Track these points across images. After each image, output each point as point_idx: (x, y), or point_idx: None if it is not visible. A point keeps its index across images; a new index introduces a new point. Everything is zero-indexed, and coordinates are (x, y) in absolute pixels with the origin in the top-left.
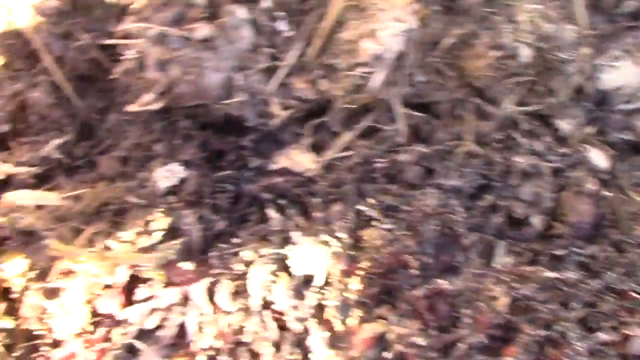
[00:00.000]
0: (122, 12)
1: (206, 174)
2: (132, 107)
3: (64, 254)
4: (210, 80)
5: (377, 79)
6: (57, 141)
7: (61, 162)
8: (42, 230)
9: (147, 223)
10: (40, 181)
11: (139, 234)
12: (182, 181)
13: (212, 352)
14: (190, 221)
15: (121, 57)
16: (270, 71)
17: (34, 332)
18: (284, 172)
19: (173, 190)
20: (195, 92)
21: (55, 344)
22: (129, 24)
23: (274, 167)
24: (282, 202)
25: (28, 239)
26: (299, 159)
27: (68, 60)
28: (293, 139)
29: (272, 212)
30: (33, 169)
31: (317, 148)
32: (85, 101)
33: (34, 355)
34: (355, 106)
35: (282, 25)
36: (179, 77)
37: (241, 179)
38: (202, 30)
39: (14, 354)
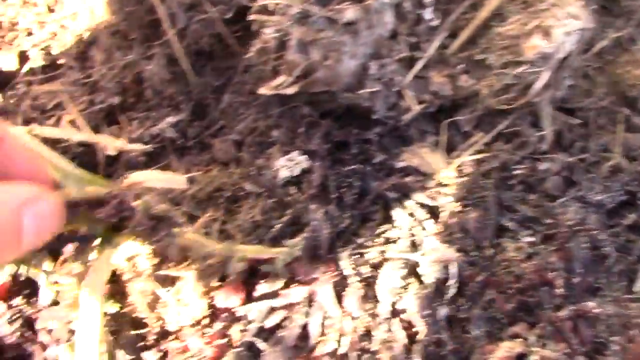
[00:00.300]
0: None
1: (330, 166)
2: (263, 90)
3: (194, 243)
4: (345, 67)
5: (541, 80)
6: (171, 119)
7: (174, 141)
8: (175, 217)
9: (264, 213)
10: (150, 160)
11: (257, 225)
12: (304, 172)
13: (335, 358)
14: (318, 217)
15: (255, 35)
16: (407, 61)
17: (143, 320)
18: (412, 170)
19: (294, 181)
20: (330, 78)
21: (165, 334)
22: (266, 0)
23: (400, 164)
24: (408, 203)
25: (155, 224)
26: (428, 159)
27: (190, 33)
28: (420, 136)
29: (398, 213)
30: (147, 147)
31: (446, 148)
32: (201, 79)
33: (141, 344)
34: (495, 107)
35: (427, 14)
36: (319, 61)
37: (366, 174)
38: (349, 12)
39: (120, 341)
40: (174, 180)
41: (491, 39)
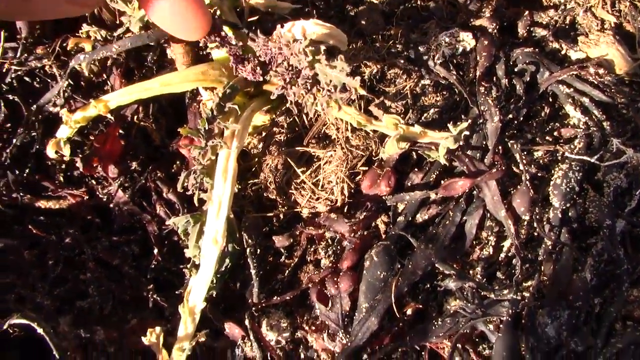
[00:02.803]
0: None
1: (499, 47)
2: None
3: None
4: None
5: None
6: None
7: (317, 6)
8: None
9: (417, 95)
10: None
11: (407, 107)
12: (467, 52)
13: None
14: (488, 101)
15: None
16: None
17: (270, 202)
18: (589, 63)
19: (455, 61)
20: None
21: (295, 219)
22: None
23: (577, 55)
24: (584, 99)
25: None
26: (611, 52)
27: None
28: (599, 25)
29: (572, 110)
30: (295, 6)
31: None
32: None
33: (272, 217)
34: None
35: None
36: None
37: (538, 61)
38: None
39: (244, 223)
40: (337, 34)
41: None
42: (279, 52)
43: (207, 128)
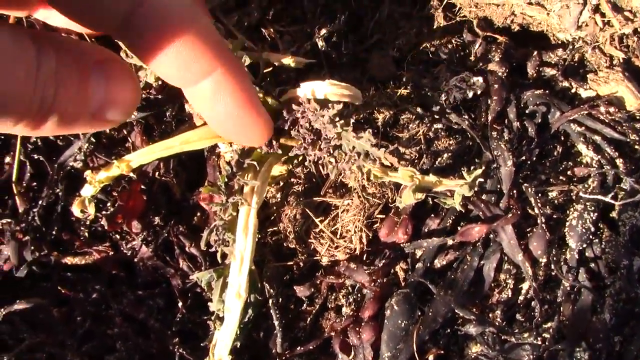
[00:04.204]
0: None
1: (509, 90)
2: None
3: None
4: None
5: None
6: (325, 31)
7: (327, 55)
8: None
9: (430, 139)
10: (298, 75)
11: (422, 152)
12: (478, 95)
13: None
14: (501, 145)
15: None
16: None
17: (290, 251)
18: (600, 101)
19: (466, 105)
20: None
21: (315, 267)
22: None
23: (587, 94)
24: (595, 137)
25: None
26: (622, 88)
27: None
28: (609, 63)
29: (584, 149)
30: (309, 61)
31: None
32: None
33: (292, 265)
34: None
35: None
36: None
37: (548, 101)
38: None
39: (265, 273)
40: (353, 92)
41: None
42: (301, 115)
43: (226, 184)
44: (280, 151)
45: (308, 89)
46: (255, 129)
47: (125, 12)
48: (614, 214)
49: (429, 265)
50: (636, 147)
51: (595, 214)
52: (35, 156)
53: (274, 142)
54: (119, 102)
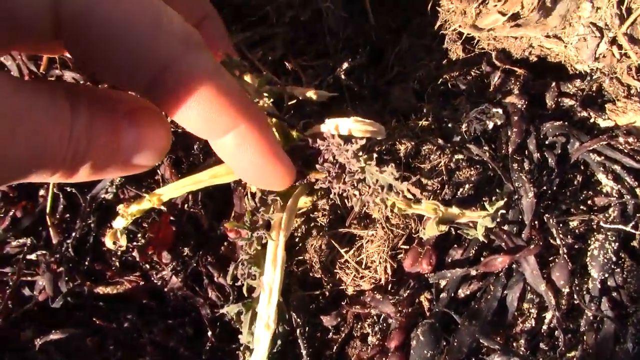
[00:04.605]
0: None
1: (529, 122)
2: (471, 30)
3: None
4: (558, 8)
5: None
6: (347, 65)
7: (350, 88)
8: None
9: (452, 170)
10: (323, 108)
11: (444, 183)
12: (498, 127)
13: (536, 337)
14: (522, 177)
15: None
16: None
17: (316, 280)
18: (618, 131)
19: (487, 137)
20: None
21: (340, 296)
22: None
23: (606, 124)
24: (615, 167)
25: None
26: (638, 118)
27: None
28: (626, 92)
29: (604, 178)
30: (332, 94)
31: None
32: (378, 19)
33: (318, 296)
34: None
35: None
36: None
37: (568, 132)
38: None
39: (292, 302)
40: (376, 128)
41: None
42: (325, 149)
43: (251, 219)
44: (307, 183)
45: (332, 125)
46: (278, 175)
47: (153, 74)
48: (634, 243)
49: (452, 295)
50: None
51: (617, 243)
52: (68, 189)
53: (305, 175)
54: (150, 149)
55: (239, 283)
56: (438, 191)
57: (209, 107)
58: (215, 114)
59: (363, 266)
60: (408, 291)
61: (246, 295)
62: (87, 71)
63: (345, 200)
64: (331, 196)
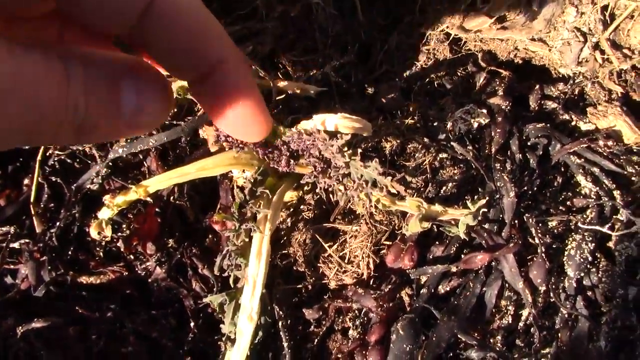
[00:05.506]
0: None
1: (512, 123)
2: (459, 31)
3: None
4: (543, 12)
5: None
6: (336, 61)
7: (338, 85)
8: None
9: (436, 169)
10: (311, 105)
11: (427, 181)
12: (482, 127)
13: (513, 333)
14: (504, 177)
15: None
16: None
17: (305, 272)
18: (598, 134)
19: (471, 137)
20: (525, 21)
21: (323, 290)
22: None
23: (586, 127)
24: (594, 169)
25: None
26: (619, 122)
27: None
28: (607, 97)
29: (583, 180)
30: (321, 89)
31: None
32: (368, 16)
33: (301, 289)
34: None
35: None
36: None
37: (549, 134)
38: None
39: (275, 295)
40: (363, 125)
41: None
42: (312, 144)
43: (239, 211)
44: (294, 175)
45: (319, 120)
46: (257, 126)
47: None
48: (610, 244)
49: (433, 291)
50: (633, 179)
51: (593, 244)
52: (53, 178)
53: (292, 163)
54: (152, 107)
55: (225, 274)
56: (422, 189)
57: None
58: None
59: (346, 261)
60: (389, 286)
61: (232, 286)
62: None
63: (331, 195)
64: (317, 191)
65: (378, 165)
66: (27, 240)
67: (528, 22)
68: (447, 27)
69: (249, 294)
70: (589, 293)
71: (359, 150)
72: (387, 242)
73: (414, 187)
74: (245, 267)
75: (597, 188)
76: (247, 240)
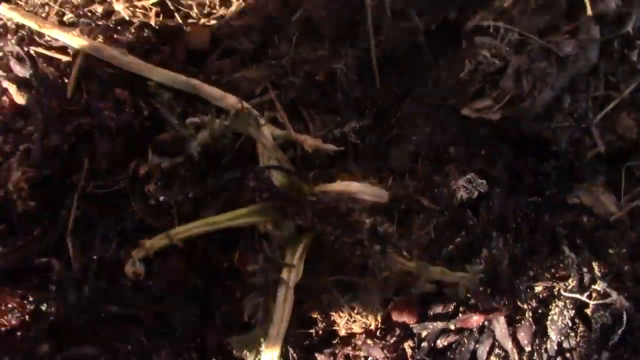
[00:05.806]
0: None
1: (508, 194)
2: (467, 111)
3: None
4: (543, 98)
5: None
6: (354, 123)
7: (356, 145)
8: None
9: (439, 231)
10: (328, 162)
11: (431, 242)
12: (482, 196)
13: None
14: (499, 245)
15: (449, 50)
16: (600, 99)
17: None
18: (584, 210)
19: (471, 204)
20: (530, 108)
21: (332, 336)
22: (487, 21)
23: (572, 201)
24: (578, 241)
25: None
26: (601, 199)
27: (389, 39)
28: (592, 175)
29: (567, 250)
30: (339, 148)
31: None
32: (385, 84)
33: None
34: None
35: (634, 55)
36: (528, 91)
37: (540, 207)
38: (568, 46)
39: (289, 337)
40: (378, 193)
41: None
42: (336, 206)
43: (265, 262)
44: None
45: (344, 185)
46: None
47: None
48: (588, 311)
49: (432, 345)
50: (610, 251)
51: (573, 310)
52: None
53: (315, 220)
54: None
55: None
56: (426, 249)
57: None
58: None
59: (356, 311)
60: (394, 338)
61: (255, 329)
62: None
63: (347, 252)
64: (335, 247)
65: (396, 234)
66: (63, 270)
67: None
68: (456, 103)
69: (271, 342)
70: (567, 355)
71: (378, 218)
72: (395, 297)
73: (419, 246)
74: (270, 314)
75: (579, 259)
76: (271, 287)
